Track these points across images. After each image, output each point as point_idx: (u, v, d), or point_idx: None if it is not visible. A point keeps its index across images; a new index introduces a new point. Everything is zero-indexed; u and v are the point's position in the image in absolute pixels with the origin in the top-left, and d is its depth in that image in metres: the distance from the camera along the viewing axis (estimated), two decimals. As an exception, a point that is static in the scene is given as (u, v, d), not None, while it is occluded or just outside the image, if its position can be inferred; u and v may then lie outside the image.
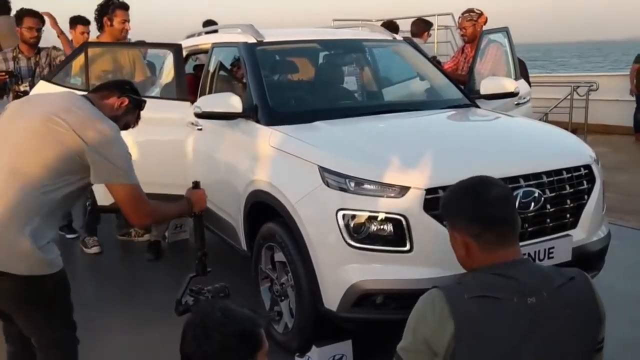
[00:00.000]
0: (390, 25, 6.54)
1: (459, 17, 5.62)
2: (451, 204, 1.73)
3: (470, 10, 5.45)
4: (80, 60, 4.51)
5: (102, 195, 4.56)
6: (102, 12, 5.24)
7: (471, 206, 1.66)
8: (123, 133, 4.45)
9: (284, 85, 4.35)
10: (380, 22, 7.68)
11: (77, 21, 6.02)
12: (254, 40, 4.03)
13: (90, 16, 5.75)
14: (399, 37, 4.81)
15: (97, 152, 2.27)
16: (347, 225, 2.82)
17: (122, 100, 2.59)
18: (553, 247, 2.94)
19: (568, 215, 3.08)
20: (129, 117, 2.66)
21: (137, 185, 2.42)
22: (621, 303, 3.93)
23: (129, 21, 5.21)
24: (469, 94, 4.25)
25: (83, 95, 2.54)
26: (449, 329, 1.53)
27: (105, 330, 3.70)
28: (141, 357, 3.41)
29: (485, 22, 5.41)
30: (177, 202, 2.67)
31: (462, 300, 1.56)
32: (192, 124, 4.20)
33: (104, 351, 3.45)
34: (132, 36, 6.54)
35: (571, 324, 1.59)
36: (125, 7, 5.20)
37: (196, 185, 2.63)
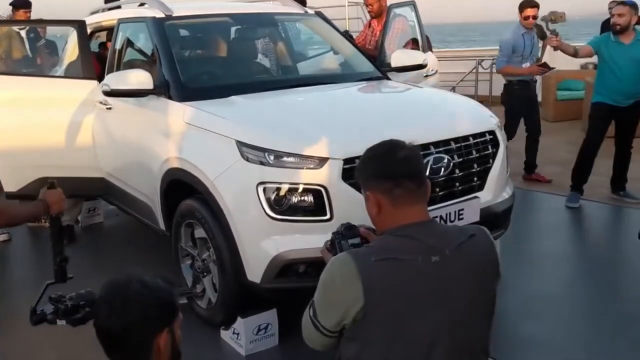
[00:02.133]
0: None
1: None
2: (364, 165, 1.83)
3: None
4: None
5: (9, 181, 4.35)
6: None
7: (382, 165, 1.76)
8: (22, 113, 4.24)
9: (196, 60, 4.27)
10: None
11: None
12: (162, 15, 3.92)
13: None
14: (310, 10, 4.82)
15: None
16: (267, 198, 2.84)
17: None
18: (463, 209, 3.10)
19: (475, 179, 3.24)
20: None
21: None
22: (527, 259, 4.22)
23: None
24: (380, 67, 4.35)
25: None
26: (357, 290, 1.60)
27: (17, 316, 3.54)
28: (58, 340, 3.29)
29: None
30: (31, 204, 2.44)
31: (369, 262, 1.63)
32: (101, 103, 4.06)
33: (17, 336, 3.34)
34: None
35: (475, 278, 1.70)
36: None
37: (52, 185, 2.41)
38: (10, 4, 6.32)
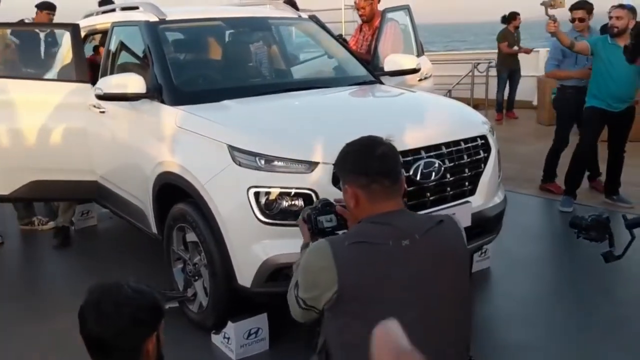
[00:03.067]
0: (290, 3, 6.54)
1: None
2: (343, 159, 1.90)
3: None
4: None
5: (1, 185, 4.35)
6: None
7: (360, 160, 1.83)
8: (15, 116, 4.21)
9: (189, 64, 4.27)
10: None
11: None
12: (156, 19, 3.93)
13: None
14: (304, 15, 4.84)
15: None
16: (258, 203, 2.85)
17: None
18: (454, 214, 3.09)
19: (467, 183, 3.25)
20: None
21: None
22: (519, 264, 4.23)
23: None
24: (373, 71, 4.36)
25: None
26: (332, 273, 1.70)
27: (8, 322, 3.55)
28: (48, 347, 3.29)
29: (379, 1, 5.53)
30: None
31: (342, 246, 1.73)
32: (94, 106, 4.06)
33: (9, 344, 3.33)
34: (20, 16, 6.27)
35: (444, 261, 1.77)
36: None
37: None
38: (35, 6, 6.57)
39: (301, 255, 2.00)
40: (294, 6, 5.86)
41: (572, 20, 5.42)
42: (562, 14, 4.99)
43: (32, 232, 5.15)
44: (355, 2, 5.66)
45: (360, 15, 5.58)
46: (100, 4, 6.34)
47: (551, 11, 4.80)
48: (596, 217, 2.12)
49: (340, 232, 2.01)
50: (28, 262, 4.78)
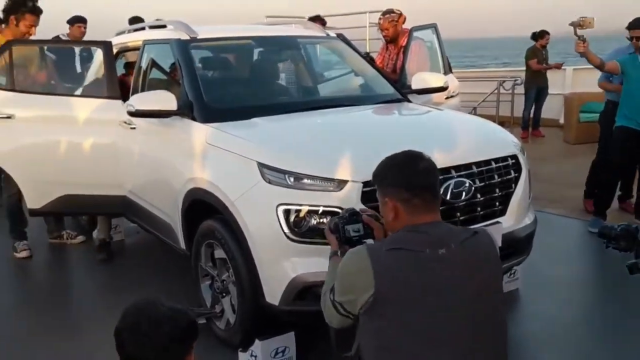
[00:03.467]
0: (318, 20, 6.60)
1: (379, 18, 5.72)
2: (384, 173, 1.95)
3: (390, 12, 5.55)
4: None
5: (33, 198, 4.43)
6: (12, 10, 4.95)
7: (403, 174, 1.89)
8: (47, 131, 4.27)
9: (219, 82, 4.32)
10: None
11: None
12: (187, 37, 3.99)
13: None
14: (332, 33, 4.87)
15: None
16: (287, 220, 2.85)
17: None
18: (484, 234, 3.07)
19: (497, 204, 3.22)
20: None
21: None
22: (547, 285, 4.16)
23: (36, 26, 4.93)
24: (400, 89, 4.36)
25: None
26: (369, 277, 1.74)
27: (36, 335, 3.59)
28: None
29: (404, 21, 5.55)
30: None
31: (380, 252, 1.79)
32: (125, 122, 4.12)
33: (37, 357, 3.35)
34: (51, 33, 6.42)
35: (479, 271, 1.82)
36: (37, 13, 4.90)
37: None
38: (67, 21, 6.84)
39: (329, 263, 2.12)
40: (323, 24, 5.91)
41: (630, 39, 5.22)
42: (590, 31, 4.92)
43: (61, 246, 5.22)
44: (378, 23, 5.70)
45: (384, 36, 5.61)
46: (131, 22, 6.46)
47: (580, 31, 4.76)
48: (626, 227, 2.14)
49: (366, 241, 2.07)
50: (56, 275, 4.83)
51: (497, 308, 1.87)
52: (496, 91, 10.50)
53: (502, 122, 9.67)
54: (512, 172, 3.31)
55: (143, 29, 4.92)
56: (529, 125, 10.11)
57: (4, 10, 4.96)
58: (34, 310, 4.00)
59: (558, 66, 10.05)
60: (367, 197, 2.81)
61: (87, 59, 5.20)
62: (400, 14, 5.52)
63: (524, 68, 10.15)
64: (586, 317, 3.74)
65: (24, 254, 4.92)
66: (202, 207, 3.32)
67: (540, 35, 9.91)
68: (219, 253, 3.25)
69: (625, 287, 4.15)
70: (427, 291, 1.74)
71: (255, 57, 4.56)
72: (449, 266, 1.77)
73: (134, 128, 4.07)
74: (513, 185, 3.31)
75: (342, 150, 3.08)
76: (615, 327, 3.56)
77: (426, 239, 1.79)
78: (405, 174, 1.87)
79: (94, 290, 4.41)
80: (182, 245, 3.67)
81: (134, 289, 4.15)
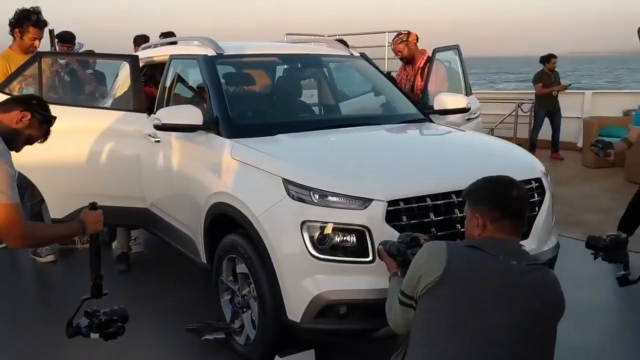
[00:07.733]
0: (341, 42, 6.65)
1: (391, 44, 5.77)
2: (479, 191, 2.13)
3: (398, 34, 5.63)
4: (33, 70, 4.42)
5: (56, 208, 4.48)
6: (17, 23, 4.92)
7: (499, 197, 2.06)
8: (71, 142, 4.33)
9: (244, 98, 4.37)
10: (330, 37, 7.80)
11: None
12: (214, 53, 4.05)
13: None
14: (355, 52, 4.91)
15: None
16: (311, 237, 2.86)
17: (24, 114, 2.54)
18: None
19: (521, 226, 3.20)
20: (31, 132, 2.61)
21: (15, 204, 2.24)
22: (569, 310, 4.09)
23: (40, 39, 4.97)
24: (423, 109, 4.38)
25: None
26: (441, 261, 1.92)
27: (54, 345, 3.59)
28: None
29: (417, 40, 5.58)
30: (66, 224, 2.59)
31: (457, 245, 2.03)
32: (150, 135, 4.17)
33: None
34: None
35: (540, 301, 1.93)
36: (41, 26, 4.94)
37: (93, 206, 2.54)
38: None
39: (390, 284, 2.36)
40: (344, 43, 5.96)
41: None
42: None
43: (75, 251, 5.25)
44: (392, 49, 5.75)
45: (400, 58, 5.65)
46: (163, 37, 6.54)
47: (603, 153, 4.56)
48: (615, 238, 2.18)
49: None
50: (72, 283, 4.84)
51: (542, 347, 1.94)
52: (514, 113, 10.48)
53: (520, 145, 9.64)
54: (535, 195, 3.30)
55: (175, 43, 4.98)
56: (535, 147, 10.05)
57: (9, 24, 5.01)
58: (51, 318, 4.01)
59: (561, 89, 10.04)
60: (391, 216, 2.82)
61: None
62: (409, 33, 5.56)
63: (534, 91, 10.20)
64: (609, 344, 3.70)
65: (49, 258, 4.99)
66: (225, 221, 3.34)
67: (546, 59, 9.99)
68: (241, 268, 3.26)
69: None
70: (488, 287, 1.88)
71: (280, 74, 4.61)
72: (516, 276, 1.91)
73: (159, 141, 4.12)
74: (537, 208, 3.29)
75: (367, 168, 3.10)
76: (638, 353, 3.51)
77: (502, 247, 1.96)
78: (501, 197, 2.04)
79: (113, 301, 4.40)
80: (203, 259, 3.68)
81: (153, 301, 4.16)
